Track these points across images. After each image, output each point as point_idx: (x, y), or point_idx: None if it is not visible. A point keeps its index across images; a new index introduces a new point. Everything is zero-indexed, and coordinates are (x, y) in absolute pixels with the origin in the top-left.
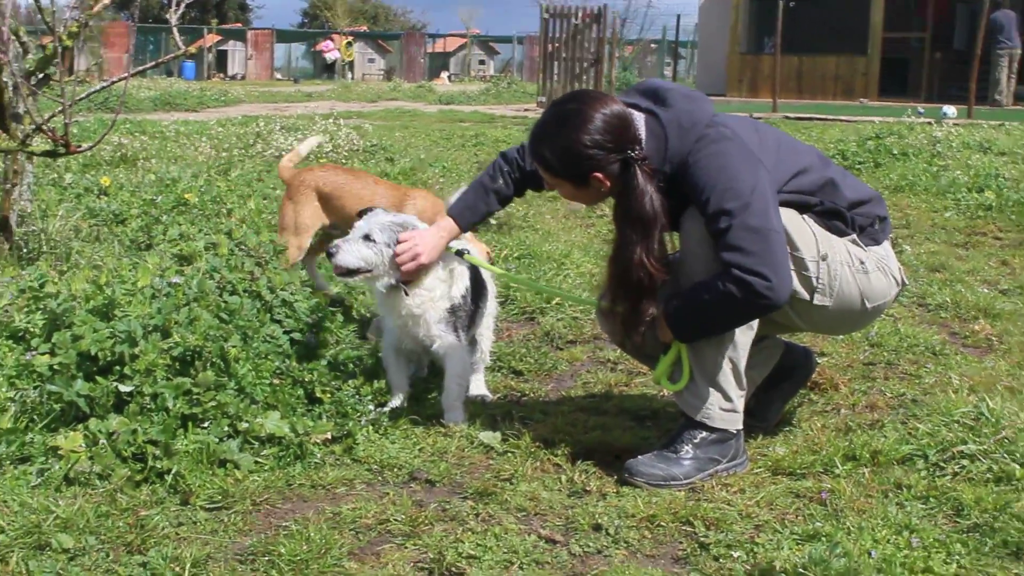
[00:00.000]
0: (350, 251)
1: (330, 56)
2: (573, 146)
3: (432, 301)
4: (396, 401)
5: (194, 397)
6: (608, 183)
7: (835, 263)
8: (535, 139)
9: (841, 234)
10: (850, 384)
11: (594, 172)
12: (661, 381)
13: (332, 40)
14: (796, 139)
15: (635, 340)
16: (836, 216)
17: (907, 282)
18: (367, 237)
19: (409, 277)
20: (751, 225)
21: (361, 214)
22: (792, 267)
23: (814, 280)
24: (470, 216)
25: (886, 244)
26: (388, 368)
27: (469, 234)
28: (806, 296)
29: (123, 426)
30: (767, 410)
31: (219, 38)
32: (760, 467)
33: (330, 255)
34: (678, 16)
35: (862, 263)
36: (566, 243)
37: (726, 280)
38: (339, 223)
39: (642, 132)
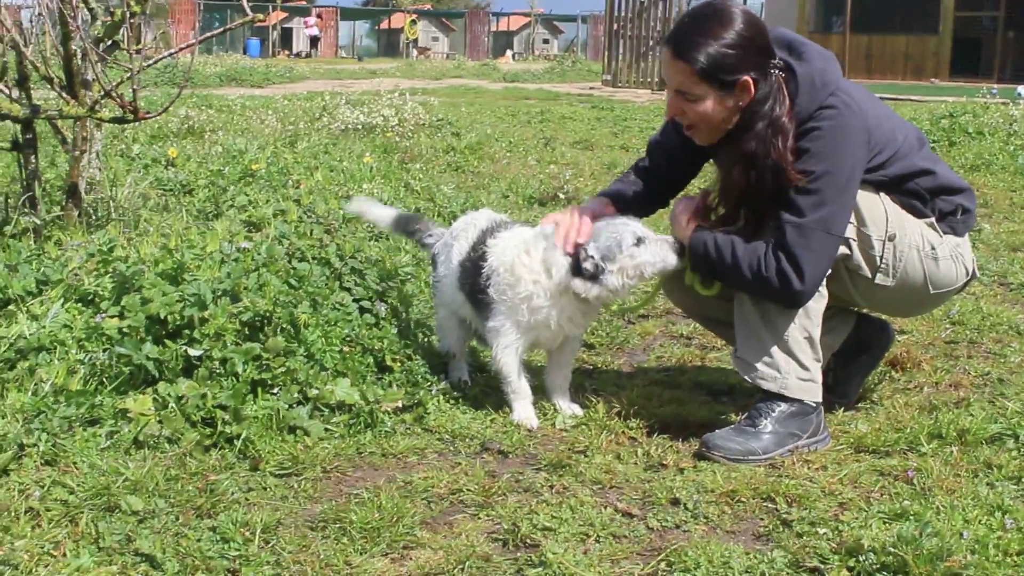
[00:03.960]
0: None
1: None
2: (725, 44)
3: None
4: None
5: (264, 362)
6: (753, 91)
7: (903, 245)
8: (682, 38)
9: (919, 215)
10: (933, 362)
11: (743, 75)
12: (694, 285)
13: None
14: (899, 116)
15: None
16: (916, 196)
17: (978, 275)
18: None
19: None
20: (832, 229)
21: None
22: (857, 242)
23: (878, 259)
24: (616, 195)
25: (966, 237)
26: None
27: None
28: (868, 274)
29: (192, 390)
30: (847, 386)
31: (284, 15)
32: (842, 444)
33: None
34: None
35: (933, 248)
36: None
37: (772, 258)
38: None
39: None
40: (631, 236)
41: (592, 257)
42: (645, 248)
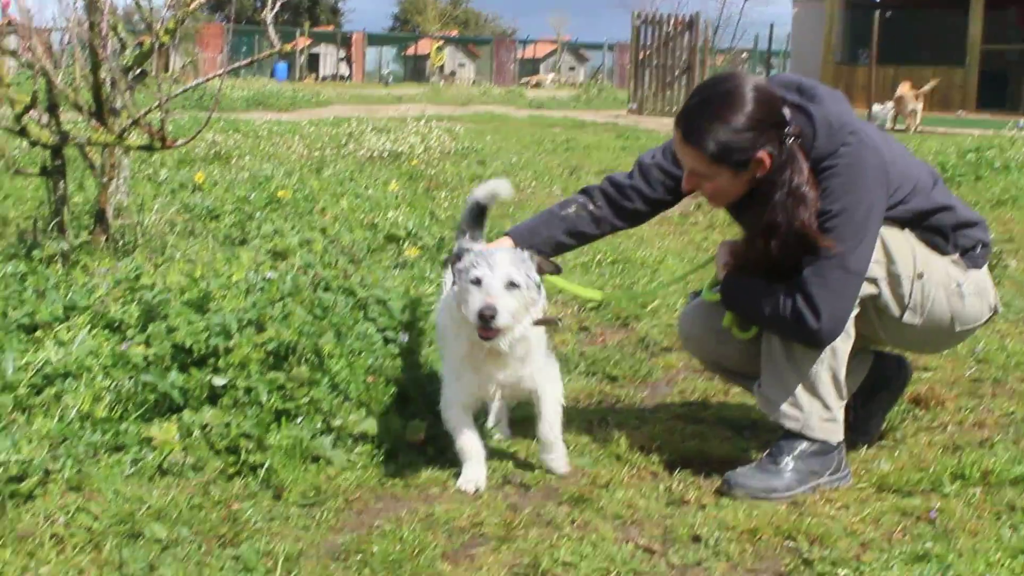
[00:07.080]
0: (505, 307)
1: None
2: (736, 127)
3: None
4: (477, 469)
5: (288, 392)
6: (768, 163)
7: (930, 283)
8: (691, 122)
9: (942, 252)
10: (957, 400)
11: (757, 153)
12: (732, 328)
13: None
14: (911, 153)
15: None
16: (938, 233)
17: (1000, 309)
18: (513, 284)
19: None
20: (849, 266)
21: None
22: (886, 280)
23: (906, 298)
24: (528, 238)
25: (985, 269)
26: (461, 432)
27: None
28: (896, 313)
29: (217, 419)
30: (868, 423)
31: (311, 41)
32: (864, 483)
33: (488, 318)
34: (771, 25)
35: (959, 285)
36: (660, 249)
37: (789, 298)
38: None
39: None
40: (476, 274)
41: (457, 263)
42: (474, 292)
